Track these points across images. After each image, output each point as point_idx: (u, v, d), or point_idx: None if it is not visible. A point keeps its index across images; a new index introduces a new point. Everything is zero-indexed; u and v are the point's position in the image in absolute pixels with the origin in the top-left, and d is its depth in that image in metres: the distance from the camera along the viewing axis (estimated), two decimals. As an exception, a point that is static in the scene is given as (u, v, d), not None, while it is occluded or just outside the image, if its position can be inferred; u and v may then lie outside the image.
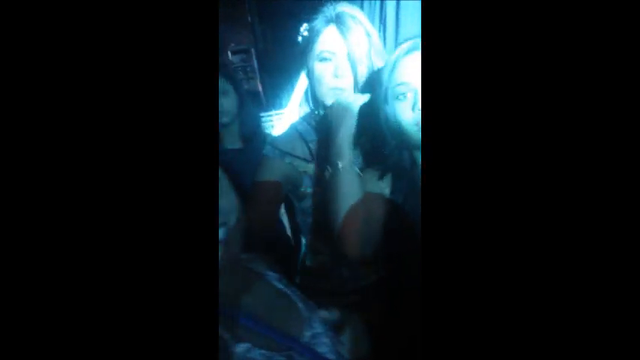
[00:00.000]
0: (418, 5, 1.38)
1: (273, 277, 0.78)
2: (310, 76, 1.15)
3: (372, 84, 1.09)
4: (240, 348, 0.60)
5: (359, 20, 1.10)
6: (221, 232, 0.59)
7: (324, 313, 0.75)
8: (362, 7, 1.37)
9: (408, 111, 0.91)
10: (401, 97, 0.92)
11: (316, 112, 1.19)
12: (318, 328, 0.71)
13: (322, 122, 1.17)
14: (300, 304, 0.74)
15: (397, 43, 1.36)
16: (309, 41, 1.12)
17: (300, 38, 1.17)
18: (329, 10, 1.10)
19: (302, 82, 1.61)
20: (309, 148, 1.18)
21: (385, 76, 0.96)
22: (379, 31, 1.45)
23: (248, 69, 4.12)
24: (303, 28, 1.15)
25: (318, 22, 1.10)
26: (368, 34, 1.10)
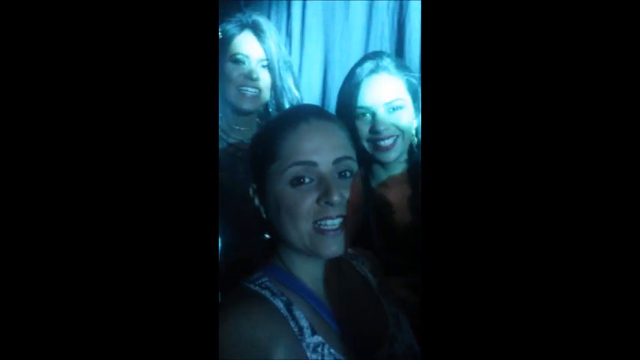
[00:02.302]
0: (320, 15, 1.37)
1: (373, 283, 0.76)
2: (221, 77, 1.16)
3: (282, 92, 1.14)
4: (313, 340, 0.60)
5: (273, 31, 1.14)
6: None
7: (409, 339, 0.72)
8: (269, 17, 1.38)
9: (365, 130, 0.99)
10: (361, 117, 0.99)
11: (223, 118, 1.20)
12: (399, 350, 0.68)
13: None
14: (391, 319, 0.71)
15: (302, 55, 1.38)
16: (224, 43, 1.13)
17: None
18: (244, 17, 1.13)
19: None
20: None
21: (349, 94, 1.01)
22: (285, 42, 1.49)
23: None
24: (219, 30, 1.15)
25: (233, 25, 1.13)
26: (279, 46, 1.14)
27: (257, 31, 1.12)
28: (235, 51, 1.12)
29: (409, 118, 1.01)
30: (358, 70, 0.99)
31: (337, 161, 0.61)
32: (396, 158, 1.02)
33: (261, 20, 1.13)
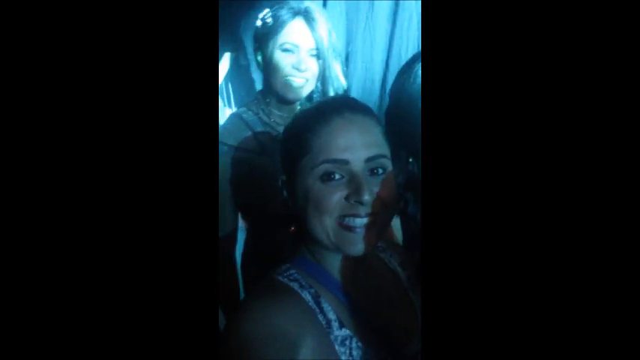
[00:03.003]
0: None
1: (402, 275, 0.75)
2: (267, 64, 1.12)
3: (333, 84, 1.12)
4: (341, 333, 0.59)
5: (325, 18, 1.10)
6: None
7: None
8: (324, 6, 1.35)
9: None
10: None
11: (267, 100, 1.17)
12: None
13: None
14: (420, 314, 0.69)
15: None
16: (272, 30, 1.09)
17: (259, 23, 1.12)
18: (297, 4, 1.09)
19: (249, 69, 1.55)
20: (258, 140, 1.13)
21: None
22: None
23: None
24: (265, 14, 1.10)
25: (285, 12, 1.08)
26: (330, 33, 1.11)
27: (309, 19, 1.08)
28: (285, 40, 1.08)
29: None
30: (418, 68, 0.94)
31: (370, 160, 0.61)
32: None
33: (314, 7, 1.09)
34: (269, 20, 1.09)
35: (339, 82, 1.15)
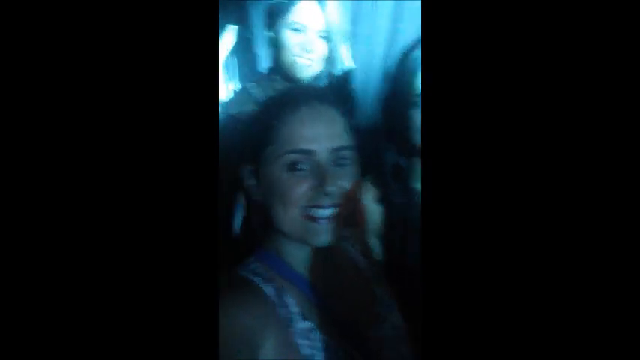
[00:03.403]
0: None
1: (363, 264, 0.75)
2: (275, 42, 1.14)
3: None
4: (304, 325, 0.59)
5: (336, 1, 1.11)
6: None
7: (398, 321, 0.71)
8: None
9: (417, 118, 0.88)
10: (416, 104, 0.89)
11: (274, 77, 1.19)
12: (388, 331, 0.68)
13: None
14: (380, 302, 0.70)
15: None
16: (283, 8, 1.11)
17: (270, 1, 1.14)
18: None
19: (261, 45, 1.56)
20: None
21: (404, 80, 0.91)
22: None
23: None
24: (277, -8, 1.12)
25: None
26: (340, 15, 1.13)
27: (321, 0, 1.09)
28: (295, 19, 1.10)
29: None
30: (415, 55, 0.93)
31: (336, 150, 0.61)
32: None
33: None
34: None
35: (344, 64, 1.18)
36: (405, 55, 0.94)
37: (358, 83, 1.25)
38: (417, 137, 0.88)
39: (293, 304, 0.60)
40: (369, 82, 1.28)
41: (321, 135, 0.60)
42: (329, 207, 0.60)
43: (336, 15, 1.11)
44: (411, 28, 1.41)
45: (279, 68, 1.16)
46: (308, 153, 0.60)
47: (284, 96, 0.66)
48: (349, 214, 0.63)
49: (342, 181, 0.61)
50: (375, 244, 0.95)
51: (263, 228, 0.67)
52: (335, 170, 0.61)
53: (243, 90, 1.23)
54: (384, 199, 0.96)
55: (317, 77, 1.19)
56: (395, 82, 0.98)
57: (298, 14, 1.10)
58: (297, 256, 0.65)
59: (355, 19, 1.48)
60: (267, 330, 0.56)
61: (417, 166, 0.95)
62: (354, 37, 1.46)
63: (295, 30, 1.10)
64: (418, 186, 0.95)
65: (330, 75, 1.19)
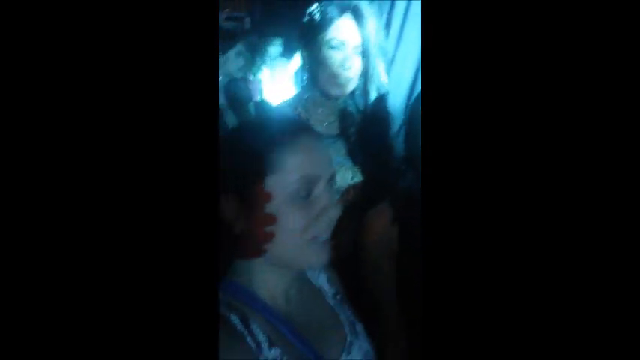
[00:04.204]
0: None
1: (329, 293, 0.75)
2: (312, 60, 1.14)
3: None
4: (271, 354, 0.59)
5: (374, 17, 1.11)
6: None
7: (366, 346, 0.72)
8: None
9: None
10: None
11: (306, 97, 1.19)
12: (356, 355, 0.69)
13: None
14: (347, 328, 0.71)
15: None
16: (319, 25, 1.10)
17: (306, 19, 1.15)
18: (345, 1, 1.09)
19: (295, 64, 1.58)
20: None
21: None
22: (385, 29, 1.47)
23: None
24: (312, 9, 1.12)
25: (334, 8, 1.09)
26: (377, 31, 1.11)
27: (357, 15, 1.08)
28: (332, 36, 1.09)
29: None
30: None
31: (331, 178, 0.62)
32: None
33: (363, 4, 1.09)
34: (316, 16, 1.11)
35: (380, 80, 1.17)
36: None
37: (389, 103, 1.23)
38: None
39: (259, 332, 0.60)
40: (393, 103, 1.27)
41: (321, 162, 0.61)
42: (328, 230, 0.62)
43: (373, 31, 1.09)
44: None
45: (316, 86, 1.15)
46: (314, 180, 0.60)
47: (272, 126, 0.65)
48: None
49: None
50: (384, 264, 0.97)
51: (231, 258, 0.65)
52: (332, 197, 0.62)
53: (280, 106, 1.23)
54: (398, 222, 0.98)
55: (353, 93, 1.18)
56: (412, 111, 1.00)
57: (335, 31, 1.09)
58: (263, 283, 0.64)
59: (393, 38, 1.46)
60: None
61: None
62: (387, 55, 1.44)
63: (332, 47, 1.09)
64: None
65: (366, 92, 1.17)
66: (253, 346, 0.58)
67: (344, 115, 1.19)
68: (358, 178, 1.17)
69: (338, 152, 1.16)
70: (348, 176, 1.17)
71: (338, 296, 0.75)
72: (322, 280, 0.76)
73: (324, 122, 1.19)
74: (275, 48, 2.90)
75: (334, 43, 1.09)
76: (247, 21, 4.07)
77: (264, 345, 0.59)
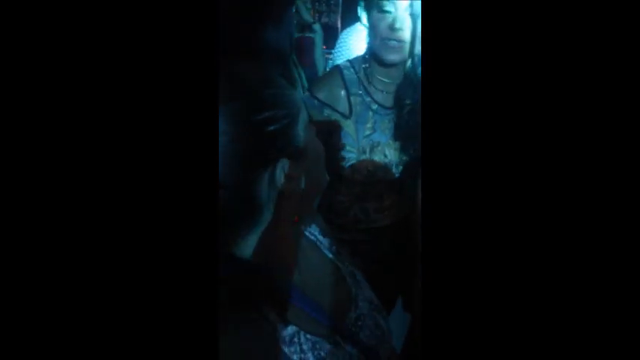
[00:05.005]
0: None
1: (325, 244, 0.72)
2: (369, 25, 1.17)
3: None
4: (288, 331, 0.56)
5: None
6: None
7: (369, 294, 0.71)
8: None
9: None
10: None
11: (367, 57, 1.20)
12: (364, 308, 0.68)
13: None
14: (349, 280, 0.70)
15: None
16: None
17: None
18: None
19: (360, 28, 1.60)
20: (349, 102, 1.17)
21: None
22: None
23: (332, 2, 4.02)
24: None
25: None
26: None
27: None
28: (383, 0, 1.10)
29: None
30: None
31: None
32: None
33: None
34: None
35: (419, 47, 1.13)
36: None
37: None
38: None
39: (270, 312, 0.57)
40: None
41: None
42: None
43: None
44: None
45: (372, 51, 1.18)
46: None
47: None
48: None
49: None
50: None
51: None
52: None
53: (336, 69, 1.25)
54: None
55: (413, 58, 1.18)
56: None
57: None
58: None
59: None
60: (251, 349, 0.53)
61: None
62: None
63: (383, 11, 1.10)
64: None
65: (414, 56, 1.16)
66: (269, 328, 0.55)
67: (403, 85, 1.18)
68: (400, 155, 1.21)
69: (390, 126, 1.19)
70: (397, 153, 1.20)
71: (333, 247, 0.74)
72: (316, 232, 0.73)
73: (384, 91, 1.20)
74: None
75: (385, 7, 1.10)
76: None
77: (279, 324, 0.56)
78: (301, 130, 0.57)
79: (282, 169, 0.54)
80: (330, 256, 0.72)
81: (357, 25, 1.86)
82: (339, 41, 2.20)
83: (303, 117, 0.58)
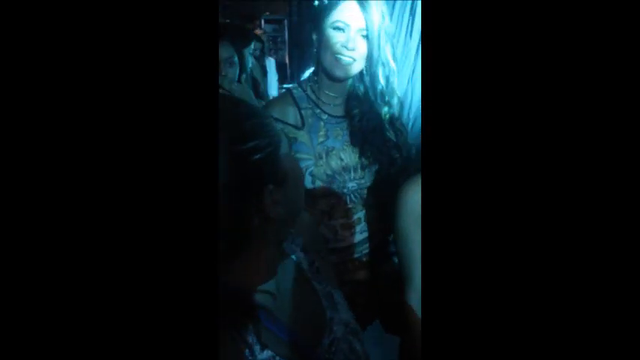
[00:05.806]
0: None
1: (304, 265, 0.72)
2: (319, 42, 1.17)
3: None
4: (264, 355, 0.58)
5: (380, 1, 1.12)
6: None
7: (346, 316, 0.71)
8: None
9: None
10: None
11: (316, 78, 1.22)
12: (338, 332, 0.67)
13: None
14: (325, 302, 0.69)
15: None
16: (326, 8, 1.13)
17: (316, 2, 1.17)
18: None
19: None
20: (300, 115, 1.21)
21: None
22: (409, 22, 1.49)
23: (279, 40, 4.15)
24: (322, -6, 1.15)
25: None
26: (383, 16, 1.13)
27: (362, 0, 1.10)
28: (336, 18, 1.12)
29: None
30: None
31: None
32: None
33: None
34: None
35: (388, 65, 1.17)
36: None
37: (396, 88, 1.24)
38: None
39: (251, 334, 0.58)
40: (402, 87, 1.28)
41: None
42: None
43: (378, 15, 1.11)
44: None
45: (322, 67, 1.18)
46: None
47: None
48: None
49: None
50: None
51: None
52: None
53: (285, 91, 1.28)
54: None
55: (361, 77, 1.20)
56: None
57: (340, 13, 1.11)
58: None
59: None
60: None
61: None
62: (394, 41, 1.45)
63: (336, 28, 1.12)
64: None
65: (373, 75, 1.18)
66: (247, 351, 0.57)
67: (349, 98, 1.23)
68: (360, 159, 1.22)
69: (342, 133, 1.21)
70: (355, 157, 1.22)
71: (313, 267, 0.73)
72: (297, 248, 0.73)
73: (331, 104, 1.23)
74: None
75: (338, 24, 1.11)
76: (285, 23, 4.18)
77: (256, 347, 0.58)
78: (283, 156, 0.59)
79: (269, 194, 0.56)
80: (309, 276, 0.72)
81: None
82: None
83: (284, 143, 0.60)
